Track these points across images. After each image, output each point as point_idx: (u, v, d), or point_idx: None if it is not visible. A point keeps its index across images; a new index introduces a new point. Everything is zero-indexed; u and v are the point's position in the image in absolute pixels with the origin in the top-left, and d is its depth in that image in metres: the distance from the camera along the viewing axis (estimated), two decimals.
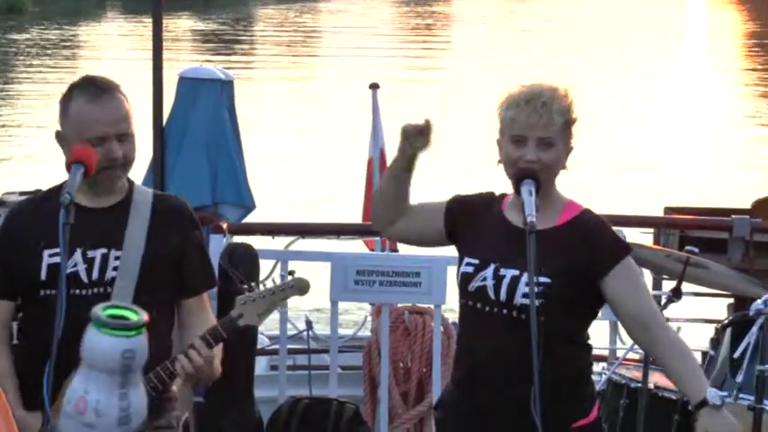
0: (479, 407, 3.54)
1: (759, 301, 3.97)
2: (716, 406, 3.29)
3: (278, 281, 5.85)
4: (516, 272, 3.46)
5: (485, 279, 3.52)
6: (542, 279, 3.45)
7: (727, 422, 3.29)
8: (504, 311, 3.46)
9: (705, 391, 3.33)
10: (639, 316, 3.50)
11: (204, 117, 6.23)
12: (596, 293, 3.53)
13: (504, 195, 3.68)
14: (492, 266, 3.52)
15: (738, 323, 4.32)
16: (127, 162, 3.62)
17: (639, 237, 6.72)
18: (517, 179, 3.48)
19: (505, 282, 3.48)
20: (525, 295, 3.44)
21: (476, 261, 3.56)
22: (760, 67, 34.36)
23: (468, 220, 3.65)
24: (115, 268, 3.57)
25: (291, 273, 3.78)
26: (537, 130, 3.46)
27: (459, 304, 3.67)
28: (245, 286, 3.70)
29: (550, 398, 3.41)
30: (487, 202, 3.69)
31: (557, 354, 3.47)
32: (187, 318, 3.73)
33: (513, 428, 3.44)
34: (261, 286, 3.67)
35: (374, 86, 8.21)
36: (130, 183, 3.73)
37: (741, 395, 4.09)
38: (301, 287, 3.69)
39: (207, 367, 3.56)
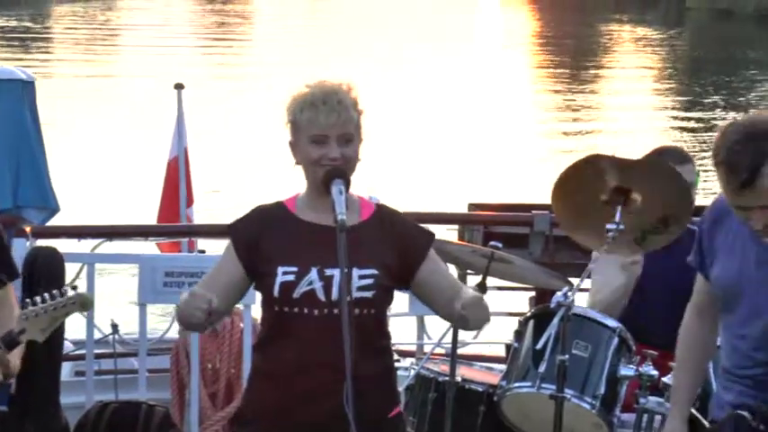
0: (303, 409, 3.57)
1: (559, 293, 4.08)
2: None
3: (84, 285, 5.80)
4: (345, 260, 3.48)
5: (311, 283, 3.52)
6: (371, 270, 3.53)
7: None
8: (336, 311, 3.46)
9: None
10: (452, 288, 3.63)
11: (5, 118, 6.08)
12: (404, 282, 3.63)
13: (279, 203, 3.69)
14: (314, 269, 3.53)
15: (540, 315, 4.42)
16: None
17: (444, 233, 6.85)
18: (326, 179, 3.52)
19: (335, 281, 3.49)
20: (360, 288, 3.50)
21: (294, 268, 3.54)
22: (551, 66, 35.35)
23: (264, 235, 3.62)
24: None
25: (74, 287, 3.72)
26: (337, 127, 3.51)
27: (268, 315, 3.63)
28: (38, 298, 3.64)
29: (372, 389, 3.50)
30: (270, 214, 3.67)
31: (380, 345, 3.60)
32: None
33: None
34: (42, 298, 3.60)
35: (179, 86, 8.16)
36: None
37: (543, 385, 4.19)
38: (83, 303, 3.66)
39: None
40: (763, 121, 3.46)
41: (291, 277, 3.54)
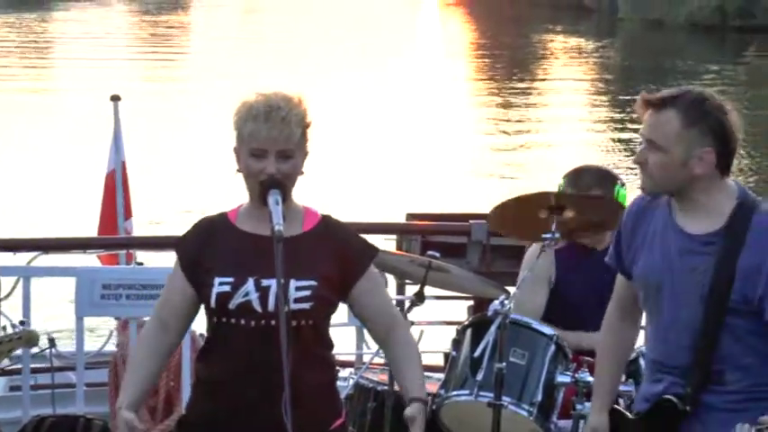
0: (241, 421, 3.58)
1: (496, 302, 4.13)
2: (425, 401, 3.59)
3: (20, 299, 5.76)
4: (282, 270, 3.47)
5: (247, 294, 3.54)
6: (309, 282, 3.54)
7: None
8: (273, 322, 3.47)
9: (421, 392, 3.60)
10: (387, 316, 3.68)
11: None
12: (342, 296, 3.65)
13: (222, 214, 3.70)
14: (251, 280, 3.54)
15: (477, 324, 4.47)
16: None
17: (383, 243, 6.87)
18: (263, 189, 3.53)
19: (272, 292, 3.50)
20: (297, 300, 3.51)
21: (230, 279, 3.55)
22: (488, 76, 35.56)
23: (204, 247, 3.63)
24: None
25: (23, 323, 3.71)
26: (277, 143, 3.52)
27: (208, 326, 3.64)
28: None
29: (314, 399, 3.53)
30: (212, 225, 3.69)
31: (320, 356, 3.62)
32: None
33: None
34: None
35: (115, 98, 8.12)
36: None
37: (481, 393, 4.23)
38: (29, 339, 3.64)
39: None
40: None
41: (227, 288, 3.55)
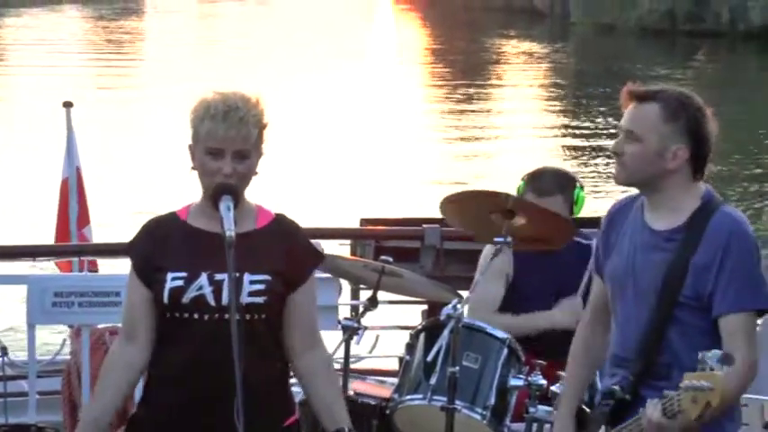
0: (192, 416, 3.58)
1: (449, 306, 4.15)
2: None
3: None
4: (234, 274, 3.47)
5: (201, 288, 3.54)
6: (263, 276, 3.55)
7: None
8: (227, 315, 3.46)
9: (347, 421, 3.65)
10: (307, 332, 3.68)
11: None
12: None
13: (172, 213, 3.70)
14: (204, 274, 3.55)
15: (431, 328, 4.48)
16: None
17: (337, 248, 6.89)
18: (215, 195, 3.54)
19: (225, 285, 3.51)
20: (251, 294, 3.52)
21: (183, 273, 3.56)
22: (442, 81, 35.65)
23: (158, 245, 3.64)
24: None
25: None
26: (234, 143, 3.52)
27: (159, 323, 3.62)
28: None
29: (265, 395, 3.55)
30: (162, 224, 3.69)
31: (273, 351, 3.62)
32: None
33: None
34: None
35: (68, 105, 8.06)
36: None
37: (434, 397, 4.23)
38: None
39: None
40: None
41: (180, 282, 3.56)
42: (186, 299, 3.55)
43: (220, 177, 3.54)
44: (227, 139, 3.51)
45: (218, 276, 3.54)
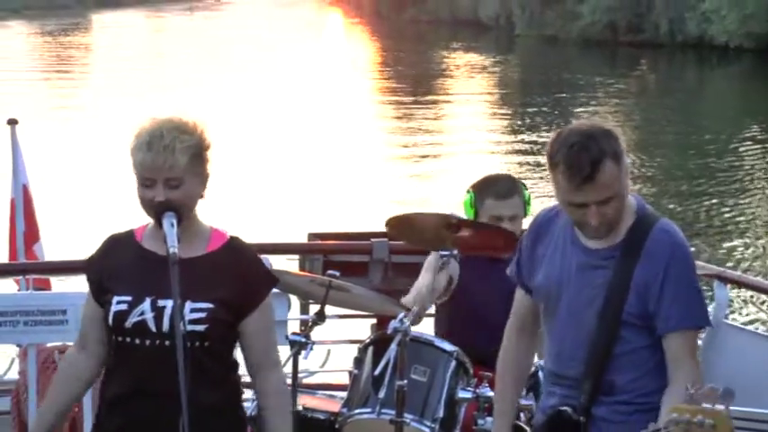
0: None
1: (396, 319, 4.17)
2: None
3: None
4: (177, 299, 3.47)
5: (143, 313, 3.55)
6: (205, 305, 3.55)
7: None
8: (167, 342, 3.48)
9: None
10: (262, 355, 3.69)
11: None
12: (241, 319, 3.65)
13: (130, 231, 3.72)
14: (148, 300, 3.55)
15: (379, 342, 4.50)
16: None
17: (285, 263, 6.87)
18: (157, 213, 3.54)
19: (167, 312, 3.51)
20: (192, 322, 3.52)
21: (128, 297, 3.57)
22: (390, 94, 35.74)
23: (108, 265, 3.66)
24: None
25: None
26: (162, 172, 3.52)
27: (110, 343, 3.65)
28: None
29: (213, 420, 3.55)
30: (118, 243, 3.71)
31: (220, 376, 3.62)
32: None
33: None
34: None
35: (12, 122, 8.00)
36: None
37: (383, 410, 4.25)
38: None
39: None
40: (599, 125, 3.67)
41: (124, 306, 3.57)
42: (129, 323, 3.56)
43: (153, 205, 3.55)
44: (155, 168, 3.52)
45: (161, 302, 3.54)
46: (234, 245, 3.70)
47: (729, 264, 14.31)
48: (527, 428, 4.00)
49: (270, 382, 3.72)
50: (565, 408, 3.72)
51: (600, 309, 3.67)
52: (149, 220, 3.70)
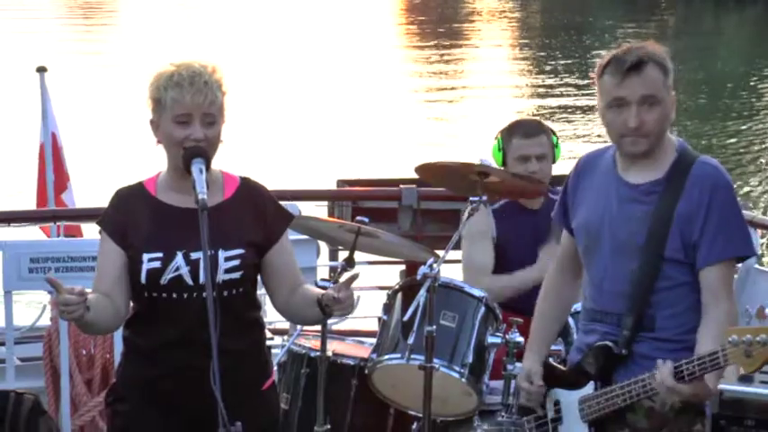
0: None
1: (425, 265, 4.15)
2: None
3: None
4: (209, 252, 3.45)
5: (178, 269, 3.54)
6: (237, 251, 3.56)
7: None
8: (204, 294, 3.42)
9: None
10: (291, 276, 3.71)
11: None
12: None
13: (139, 184, 3.68)
14: (179, 254, 3.54)
15: (408, 287, 4.49)
16: None
17: (314, 210, 6.89)
18: (186, 158, 3.52)
19: (202, 264, 3.49)
20: (227, 270, 3.53)
21: (159, 254, 3.55)
22: (414, 41, 35.60)
23: (129, 222, 3.61)
24: None
25: None
26: (202, 108, 3.52)
27: (137, 300, 3.62)
28: None
29: (245, 364, 3.59)
30: (132, 198, 3.66)
31: (250, 320, 3.66)
32: None
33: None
34: None
35: (42, 70, 8.01)
36: None
37: (413, 356, 4.24)
38: None
39: None
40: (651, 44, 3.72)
41: (158, 264, 3.55)
42: (164, 280, 3.55)
43: (190, 144, 3.52)
44: (195, 104, 3.51)
45: (194, 255, 3.53)
46: (247, 185, 3.71)
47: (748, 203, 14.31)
48: (559, 366, 3.97)
49: (310, 287, 3.74)
50: (607, 342, 3.72)
51: (643, 243, 3.66)
52: (157, 172, 3.68)
